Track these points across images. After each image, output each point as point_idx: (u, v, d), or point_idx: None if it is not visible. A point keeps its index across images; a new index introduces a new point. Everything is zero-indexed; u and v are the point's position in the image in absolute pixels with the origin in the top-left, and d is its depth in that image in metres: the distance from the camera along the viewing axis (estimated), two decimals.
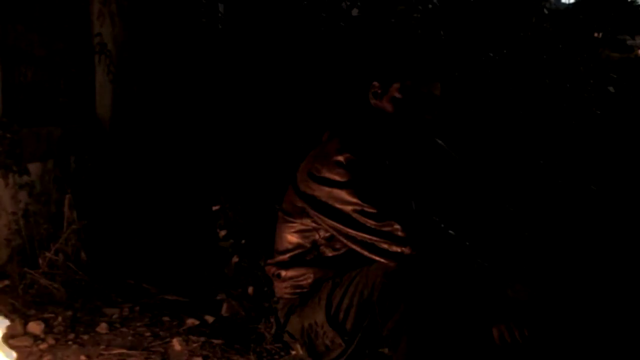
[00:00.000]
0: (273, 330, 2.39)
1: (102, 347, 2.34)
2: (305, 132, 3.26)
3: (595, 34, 5.25)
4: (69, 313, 2.58)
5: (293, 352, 2.12)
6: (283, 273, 2.06)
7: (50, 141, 3.16)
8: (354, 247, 1.90)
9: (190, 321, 2.59)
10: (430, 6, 4.20)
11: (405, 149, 2.08)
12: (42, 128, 3.13)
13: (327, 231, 1.97)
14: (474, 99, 4.02)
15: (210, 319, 2.62)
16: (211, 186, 3.35)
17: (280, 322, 2.13)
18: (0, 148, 2.74)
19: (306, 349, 2.03)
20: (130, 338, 2.44)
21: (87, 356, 2.26)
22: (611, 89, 4.93)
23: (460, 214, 2.91)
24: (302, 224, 2.02)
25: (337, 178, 1.89)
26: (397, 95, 1.98)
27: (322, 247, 2.01)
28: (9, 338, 2.31)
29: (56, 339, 2.37)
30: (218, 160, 3.87)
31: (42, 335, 2.38)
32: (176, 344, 2.37)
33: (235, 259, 2.67)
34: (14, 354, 1.84)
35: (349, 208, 1.88)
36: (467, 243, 2.16)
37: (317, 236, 2.00)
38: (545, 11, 4.66)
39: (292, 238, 2.04)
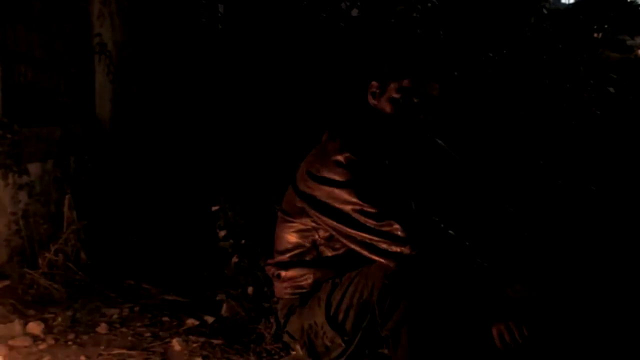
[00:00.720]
0: (273, 331, 2.39)
1: (101, 347, 2.34)
2: (305, 132, 3.26)
3: (595, 34, 5.25)
4: (69, 313, 2.58)
5: (293, 353, 2.12)
6: (283, 273, 2.06)
7: (50, 141, 3.16)
8: (353, 247, 1.90)
9: (190, 321, 2.59)
10: (429, 5, 4.20)
11: (404, 149, 2.08)
12: (42, 128, 3.13)
13: (326, 231, 1.97)
14: (473, 99, 4.02)
15: (210, 319, 2.62)
16: (211, 186, 3.35)
17: (280, 323, 2.13)
18: (0, 148, 2.74)
19: (306, 349, 2.03)
20: (130, 338, 2.44)
21: (87, 356, 2.26)
22: (611, 89, 4.94)
23: (460, 214, 2.91)
24: (301, 223, 2.02)
25: (337, 178, 1.89)
26: (395, 95, 1.97)
27: (321, 247, 2.01)
28: (8, 338, 2.32)
29: (56, 339, 2.37)
30: (218, 161, 3.87)
31: (42, 336, 2.38)
32: (176, 344, 2.37)
33: (235, 259, 2.67)
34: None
35: (348, 208, 1.88)
36: (467, 243, 2.16)
37: (316, 236, 2.00)
38: (545, 11, 4.67)
39: (292, 238, 2.04)
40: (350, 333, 1.93)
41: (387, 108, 1.98)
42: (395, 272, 1.81)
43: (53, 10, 3.30)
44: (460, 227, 2.22)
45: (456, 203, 3.22)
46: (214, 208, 2.70)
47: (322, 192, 1.92)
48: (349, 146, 1.92)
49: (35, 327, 2.41)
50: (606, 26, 5.24)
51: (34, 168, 2.98)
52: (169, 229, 3.42)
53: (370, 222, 1.86)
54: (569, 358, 2.31)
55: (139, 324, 2.57)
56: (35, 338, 2.36)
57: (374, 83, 2.03)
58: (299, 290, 2.04)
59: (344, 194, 1.88)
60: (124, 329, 2.52)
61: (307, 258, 2.03)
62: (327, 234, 1.98)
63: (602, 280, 3.15)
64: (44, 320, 2.48)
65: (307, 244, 2.02)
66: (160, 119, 3.98)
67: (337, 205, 1.89)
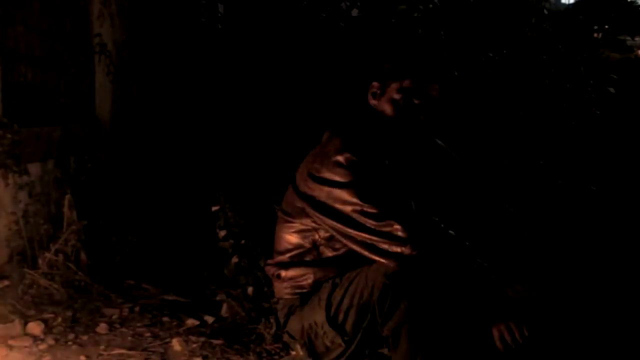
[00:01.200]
0: (273, 331, 2.39)
1: (101, 347, 2.34)
2: (305, 132, 3.26)
3: (595, 34, 5.26)
4: (69, 313, 2.58)
5: (293, 353, 2.12)
6: (283, 273, 2.06)
7: (50, 141, 3.16)
8: (353, 247, 1.90)
9: (190, 321, 2.59)
10: (430, 6, 4.20)
11: (404, 149, 2.08)
12: (42, 128, 3.13)
13: (326, 231, 1.97)
14: (474, 99, 4.02)
15: (210, 319, 2.62)
16: (211, 186, 3.35)
17: (280, 323, 2.13)
18: (0, 148, 2.74)
19: (306, 349, 2.03)
20: (129, 338, 2.44)
21: (87, 356, 2.26)
22: (611, 89, 4.94)
23: (460, 214, 2.91)
24: (301, 224, 2.02)
25: (337, 178, 1.89)
26: (395, 96, 1.97)
27: (321, 247, 2.01)
28: (8, 338, 2.32)
29: (56, 340, 2.37)
30: (218, 161, 3.87)
31: (42, 336, 2.38)
32: (176, 345, 2.37)
33: (235, 259, 2.67)
34: None
35: (348, 208, 1.88)
36: (467, 243, 2.16)
37: (316, 236, 2.00)
38: (545, 11, 4.68)
39: (292, 238, 2.04)
40: (351, 333, 1.93)
41: (388, 109, 1.98)
42: (396, 272, 1.81)
43: (53, 10, 3.30)
44: (460, 227, 2.23)
45: (456, 203, 3.22)
46: (214, 208, 2.70)
47: (322, 193, 1.92)
48: (349, 146, 1.92)
49: (35, 327, 2.41)
50: (606, 26, 5.25)
51: (34, 168, 2.98)
52: (168, 229, 3.42)
53: (371, 223, 1.86)
54: (569, 358, 2.31)
55: (139, 324, 2.57)
56: (35, 338, 2.35)
57: (374, 83, 2.03)
58: (299, 291, 2.04)
59: (344, 195, 1.88)
60: (124, 329, 2.51)
61: (307, 258, 2.03)
62: (327, 234, 1.98)
63: (602, 280, 3.15)
64: (44, 321, 2.48)
65: (307, 244, 2.02)
66: (160, 119, 3.98)
67: (337, 205, 1.89)
